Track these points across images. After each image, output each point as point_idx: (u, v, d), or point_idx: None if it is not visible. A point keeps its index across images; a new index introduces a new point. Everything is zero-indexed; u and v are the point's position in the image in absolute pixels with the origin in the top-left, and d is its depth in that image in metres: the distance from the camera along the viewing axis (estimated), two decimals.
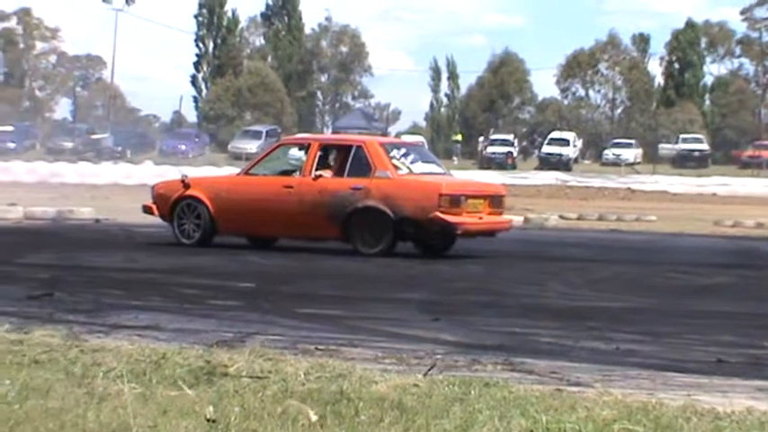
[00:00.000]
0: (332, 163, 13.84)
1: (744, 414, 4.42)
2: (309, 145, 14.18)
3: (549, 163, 54.57)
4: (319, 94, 71.01)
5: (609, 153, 58.10)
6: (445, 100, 70.67)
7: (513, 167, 54.00)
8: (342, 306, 8.38)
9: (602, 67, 68.05)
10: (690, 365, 5.93)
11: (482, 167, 52.88)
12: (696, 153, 56.94)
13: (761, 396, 5.03)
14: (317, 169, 13.69)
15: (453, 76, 70.11)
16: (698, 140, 58.13)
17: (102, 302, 8.23)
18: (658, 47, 69.62)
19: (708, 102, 66.59)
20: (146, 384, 4.67)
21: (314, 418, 3.91)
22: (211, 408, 4.09)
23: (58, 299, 8.26)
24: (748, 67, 69.33)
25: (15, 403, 4.21)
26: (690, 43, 65.52)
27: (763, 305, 9.31)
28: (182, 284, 9.76)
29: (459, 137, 61.97)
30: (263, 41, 71.16)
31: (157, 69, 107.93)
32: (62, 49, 73.75)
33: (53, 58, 74.10)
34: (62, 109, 77.71)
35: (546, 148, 56.75)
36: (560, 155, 55.35)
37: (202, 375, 4.95)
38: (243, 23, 70.46)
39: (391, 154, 13.67)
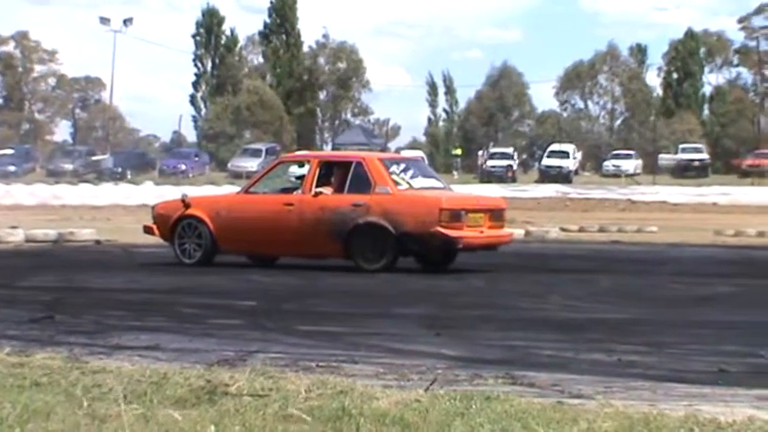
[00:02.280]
0: (332, 180, 13.84)
1: (745, 423, 4.42)
2: (309, 162, 14.20)
3: (549, 175, 54.55)
4: (318, 111, 71.05)
5: (609, 164, 58.11)
6: (443, 115, 70.80)
7: (514, 180, 53.99)
8: (343, 322, 8.38)
9: (602, 78, 68.19)
10: (691, 376, 5.92)
11: (482, 181, 52.87)
12: (696, 163, 56.93)
13: (762, 405, 5.02)
14: (317, 186, 13.69)
15: (450, 91, 70.27)
16: (698, 150, 58.14)
17: (104, 324, 8.23)
18: (655, 57, 69.70)
19: (707, 111, 66.66)
20: (146, 405, 4.66)
21: None
22: (213, 427, 4.09)
23: (59, 321, 8.27)
24: (746, 75, 69.52)
25: (16, 426, 4.21)
26: (689, 53, 65.63)
27: (766, 314, 9.30)
28: (183, 304, 9.77)
29: (458, 151, 61.99)
30: (261, 60, 71.26)
31: (156, 89, 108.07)
32: (61, 72, 73.84)
33: (52, 81, 74.17)
34: (62, 131, 77.79)
35: (546, 161, 56.76)
36: (560, 167, 55.35)
37: (203, 395, 4.95)
38: (241, 42, 70.66)
39: (391, 169, 13.68)
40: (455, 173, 57.60)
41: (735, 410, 4.78)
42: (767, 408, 4.92)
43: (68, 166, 57.16)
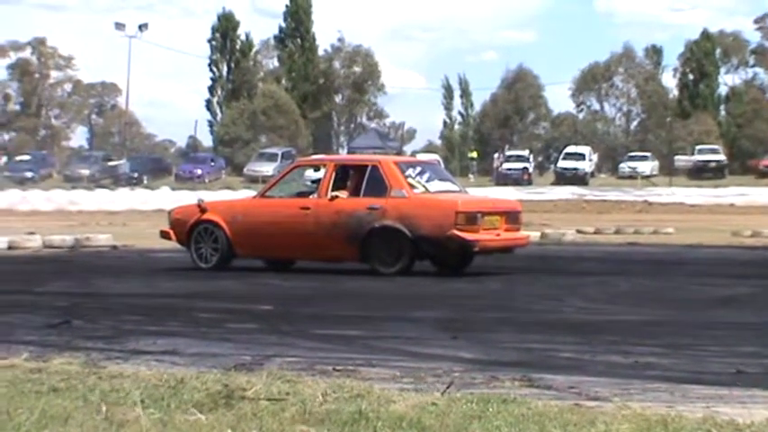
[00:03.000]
0: (348, 183, 13.85)
1: (764, 425, 4.41)
2: (325, 166, 14.21)
3: (565, 178, 54.50)
4: (334, 114, 71.12)
5: (625, 166, 58.04)
6: (459, 118, 70.79)
7: (530, 183, 53.95)
8: (359, 326, 8.38)
9: (617, 80, 68.08)
10: (709, 377, 5.91)
11: (498, 184, 52.85)
12: (713, 164, 56.79)
13: None
14: (333, 190, 13.70)
15: (466, 94, 70.28)
16: (714, 151, 57.99)
17: (121, 329, 8.25)
18: (671, 59, 69.57)
19: (723, 112, 66.47)
20: (164, 410, 4.67)
21: None
22: (230, 431, 4.09)
23: (76, 326, 8.29)
24: (763, 76, 69.30)
25: (34, 431, 4.22)
26: (705, 54, 65.47)
27: None
28: (200, 309, 9.78)
29: (474, 154, 61.98)
30: (276, 64, 71.39)
31: (172, 94, 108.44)
32: (77, 78, 74.20)
33: (68, 87, 74.50)
34: (78, 137, 78.17)
35: (562, 163, 56.71)
36: (576, 169, 55.29)
37: (220, 399, 4.96)
38: (256, 47, 70.77)
39: (407, 173, 13.67)
40: (471, 176, 57.58)
41: (753, 412, 4.76)
42: None
43: (85, 172, 57.33)
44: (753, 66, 69.32)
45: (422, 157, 45.63)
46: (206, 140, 71.28)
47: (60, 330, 8.03)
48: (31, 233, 20.10)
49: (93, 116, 75.95)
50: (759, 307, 10.02)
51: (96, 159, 60.91)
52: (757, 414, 4.68)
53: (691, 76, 65.89)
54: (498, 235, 13.48)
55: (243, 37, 69.70)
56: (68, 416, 4.54)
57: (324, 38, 75.64)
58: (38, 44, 71.58)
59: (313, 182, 14.59)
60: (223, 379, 5.48)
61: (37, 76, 72.27)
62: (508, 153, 59.56)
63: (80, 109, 75.08)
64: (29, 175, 56.74)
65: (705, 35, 66.19)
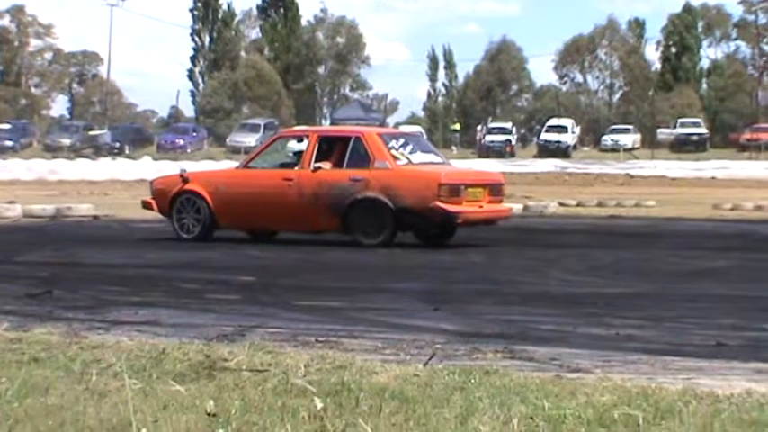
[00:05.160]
0: (331, 155, 13.82)
1: (743, 396, 4.43)
2: (308, 137, 14.18)
3: (547, 150, 54.57)
4: (317, 86, 70.93)
5: (607, 139, 58.13)
6: (443, 89, 70.72)
7: (512, 155, 53.97)
8: (342, 297, 8.39)
9: (601, 52, 68.07)
10: (689, 349, 5.94)
11: (481, 156, 52.87)
12: (694, 137, 56.90)
13: (760, 378, 5.04)
14: (316, 161, 13.67)
15: (450, 66, 70.20)
16: (696, 125, 58.11)
17: (102, 299, 8.24)
18: (653, 32, 69.55)
19: (705, 86, 66.57)
20: (146, 380, 4.67)
21: (320, 405, 3.91)
22: (212, 402, 4.09)
23: (57, 296, 8.27)
24: (745, 50, 69.40)
25: (15, 401, 4.21)
26: (687, 27, 65.49)
27: (763, 288, 9.31)
28: (181, 279, 9.77)
29: (457, 126, 61.96)
30: (258, 34, 71.10)
31: (154, 64, 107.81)
32: (57, 46, 73.65)
33: (48, 56, 73.94)
34: (59, 106, 77.64)
35: (544, 136, 56.76)
36: (559, 142, 55.36)
37: (202, 370, 4.96)
38: (239, 16, 70.47)
39: (390, 145, 13.66)
40: (454, 148, 57.58)
41: (732, 383, 4.79)
42: (764, 381, 4.94)
43: (66, 141, 57.03)
44: (735, 39, 69.41)
45: (405, 128, 45.61)
46: (188, 111, 71.10)
47: (41, 300, 8.00)
48: (12, 202, 20.02)
49: (74, 85, 75.48)
50: (739, 280, 10.07)
51: (77, 129, 60.55)
52: (737, 386, 4.71)
53: (673, 50, 65.91)
54: (481, 207, 13.49)
55: (225, 7, 69.39)
56: (49, 386, 4.53)
57: (307, 8, 75.41)
58: (16, 12, 70.97)
59: (295, 153, 14.55)
60: (205, 350, 5.48)
61: (16, 44, 71.72)
62: (491, 125, 59.52)
63: (60, 78, 74.57)
64: (9, 144, 56.43)
65: (687, 8, 66.18)
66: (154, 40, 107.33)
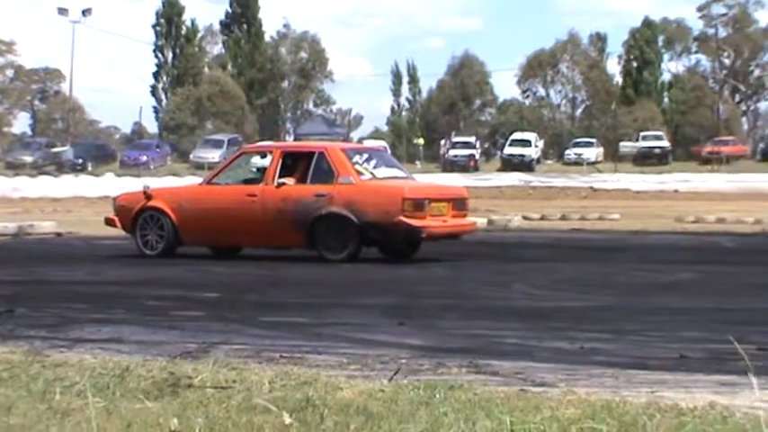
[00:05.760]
0: (295, 170, 13.81)
1: (706, 409, 4.45)
2: (272, 153, 14.16)
3: (511, 164, 54.74)
4: (280, 101, 70.86)
5: (571, 153, 58.40)
6: (406, 104, 70.84)
7: (476, 169, 54.12)
8: (306, 313, 8.36)
9: (563, 66, 68.46)
10: (653, 362, 5.96)
11: (445, 170, 52.97)
12: (657, 150, 57.29)
13: (723, 390, 5.07)
14: (279, 177, 13.66)
15: (414, 80, 70.35)
16: (658, 138, 58.53)
17: (65, 317, 8.17)
18: (615, 46, 70.13)
19: (666, 99, 67.07)
20: (109, 398, 4.64)
21: (288, 420, 3.90)
22: (176, 420, 4.07)
23: (19, 314, 8.19)
24: (705, 63, 70.08)
25: None
26: (647, 41, 66.04)
27: (725, 300, 9.38)
28: (145, 296, 9.71)
29: (421, 140, 62.06)
30: (221, 50, 71.00)
31: (117, 81, 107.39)
32: (19, 63, 73.20)
33: (10, 72, 73.50)
34: (21, 123, 77.06)
35: (508, 150, 56.97)
36: (522, 155, 55.57)
37: (166, 387, 4.92)
38: (201, 32, 70.33)
39: (354, 159, 13.66)
40: (417, 162, 57.67)
41: (696, 396, 4.82)
42: (727, 393, 4.96)
43: (28, 158, 56.64)
44: (695, 53, 70.09)
45: (369, 143, 45.66)
46: (151, 127, 70.83)
47: (3, 319, 7.93)
48: None
49: (36, 102, 75.01)
50: (702, 292, 10.13)
51: (39, 146, 60.20)
52: (700, 398, 4.73)
53: (634, 64, 66.38)
54: (445, 221, 13.52)
55: (188, 23, 69.22)
56: (11, 405, 4.48)
57: (270, 24, 75.29)
58: None
59: (259, 169, 14.53)
60: (169, 367, 5.45)
61: None
62: (454, 139, 59.72)
63: (22, 95, 74.07)
64: None
65: (647, 22, 66.70)
66: (117, 56, 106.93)
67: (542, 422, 4.15)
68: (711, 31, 68.32)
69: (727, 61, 69.57)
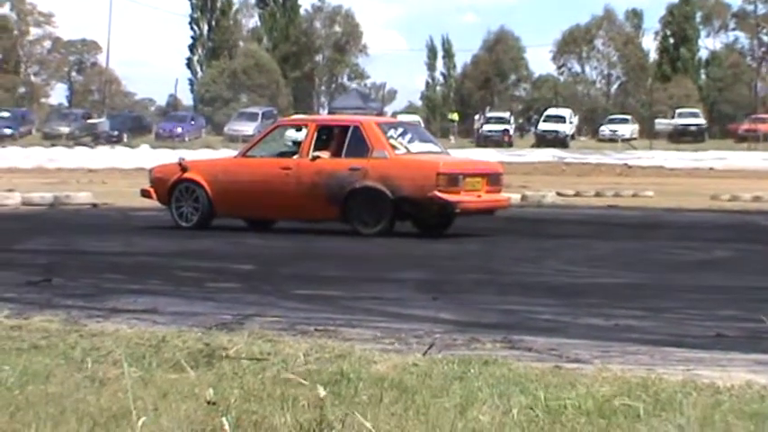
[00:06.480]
0: (329, 144, 13.81)
1: (743, 388, 4.43)
2: (307, 126, 14.17)
3: (545, 140, 54.54)
4: (315, 74, 70.83)
5: (605, 129, 58.09)
6: (441, 79, 70.62)
7: (510, 145, 53.95)
8: (340, 287, 8.38)
9: (598, 43, 68.03)
10: (689, 340, 5.93)
11: (479, 146, 52.86)
12: (693, 127, 56.88)
13: (760, 369, 5.04)
14: (314, 150, 13.66)
15: (449, 55, 70.04)
16: (694, 115, 58.07)
17: (101, 287, 8.24)
18: (652, 22, 69.47)
19: (703, 76, 66.52)
20: (145, 368, 4.67)
21: (322, 393, 3.91)
22: (211, 390, 4.08)
23: (56, 284, 8.26)
24: (743, 40, 69.34)
25: (15, 389, 4.21)
26: (685, 17, 65.43)
27: (762, 279, 9.32)
28: (180, 267, 9.77)
29: (455, 116, 61.88)
30: (257, 23, 71.05)
31: (153, 53, 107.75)
32: (56, 35, 73.51)
33: (48, 44, 73.82)
34: (58, 94, 77.62)
35: (542, 125, 56.72)
36: (557, 132, 55.34)
37: (202, 358, 4.95)
38: (236, 5, 70.39)
39: (388, 134, 13.64)
40: (452, 137, 57.52)
41: (732, 375, 4.79)
42: (764, 372, 4.94)
43: (65, 129, 56.94)
44: (733, 29, 69.35)
45: (403, 118, 45.60)
46: (186, 99, 71.03)
47: (40, 288, 8.00)
48: (10, 190, 20.00)
49: (73, 74, 75.35)
50: (738, 271, 10.07)
51: (76, 117, 60.50)
52: (737, 377, 4.70)
53: (671, 40, 65.85)
54: (479, 196, 13.48)
55: None
56: (50, 373, 4.53)
57: None
58: (16, 1, 70.85)
59: (294, 142, 14.53)
60: (204, 338, 5.48)
61: (15, 32, 71.58)
62: (489, 115, 59.52)
63: (59, 66, 74.44)
64: (8, 132, 56.38)
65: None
66: (153, 28, 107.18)
67: (577, 398, 4.14)
68: (750, 7, 67.61)
69: (765, 38, 68.82)
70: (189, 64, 69.58)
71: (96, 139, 55.07)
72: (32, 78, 73.91)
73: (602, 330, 6.32)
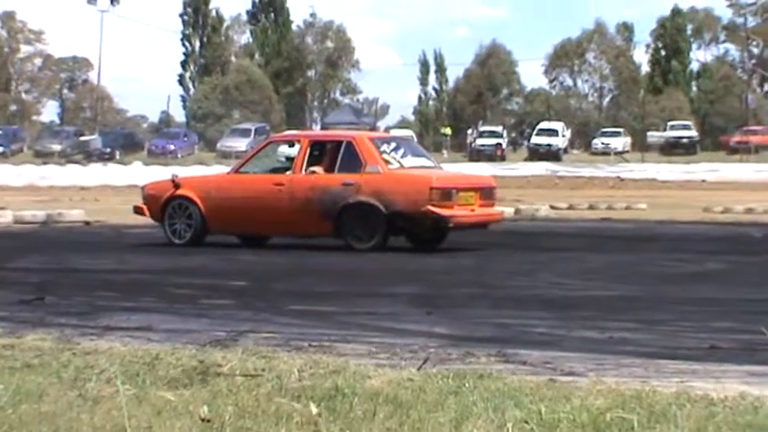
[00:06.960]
0: (322, 159, 13.82)
1: (737, 399, 4.43)
2: (299, 142, 14.18)
3: (538, 153, 54.64)
4: (307, 90, 70.88)
5: (598, 142, 58.21)
6: (433, 93, 70.70)
7: (503, 159, 54.04)
8: (335, 302, 8.38)
9: (590, 56, 68.20)
10: (683, 352, 5.94)
11: (472, 160, 52.91)
12: (684, 140, 57.04)
13: (753, 381, 5.04)
14: (307, 166, 13.67)
15: (441, 69, 70.15)
16: (686, 127, 58.23)
17: (94, 305, 8.22)
18: (643, 35, 69.71)
19: (695, 89, 66.69)
20: (139, 386, 4.66)
21: (315, 410, 3.91)
22: (206, 407, 4.09)
23: (49, 302, 8.24)
24: (734, 53, 69.58)
25: (8, 408, 4.20)
26: (676, 30, 65.65)
27: (754, 291, 9.32)
28: (174, 285, 9.76)
29: (448, 130, 61.96)
30: (248, 39, 71.13)
31: (144, 70, 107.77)
32: (47, 52, 73.54)
33: (38, 61, 73.84)
34: (49, 111, 77.54)
35: (535, 139, 56.84)
36: (549, 145, 55.44)
37: (196, 375, 4.95)
38: (227, 21, 70.48)
39: (381, 149, 13.66)
40: (444, 152, 57.60)
41: (726, 386, 4.79)
42: (758, 383, 4.94)
43: (56, 147, 56.92)
44: (724, 42, 69.61)
45: (396, 132, 45.61)
46: (179, 116, 71.01)
47: (33, 306, 7.98)
48: (2, 208, 19.97)
49: (65, 91, 75.35)
50: (731, 283, 10.08)
51: (68, 134, 60.50)
52: (731, 389, 4.71)
53: (663, 52, 66.03)
54: (473, 211, 13.49)
55: (214, 12, 69.34)
56: (43, 392, 4.52)
57: (297, 13, 75.22)
58: (6, 18, 70.91)
59: (287, 158, 14.54)
60: (198, 355, 5.47)
61: (6, 50, 71.58)
62: (481, 129, 59.63)
63: (51, 83, 74.43)
64: None
65: (676, 11, 66.34)
66: (144, 45, 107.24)
67: (572, 412, 4.14)
68: (740, 20, 67.83)
69: (756, 50, 69.07)
70: (181, 80, 69.68)
71: (88, 156, 55.03)
72: (23, 96, 73.91)
73: (596, 343, 6.32)
